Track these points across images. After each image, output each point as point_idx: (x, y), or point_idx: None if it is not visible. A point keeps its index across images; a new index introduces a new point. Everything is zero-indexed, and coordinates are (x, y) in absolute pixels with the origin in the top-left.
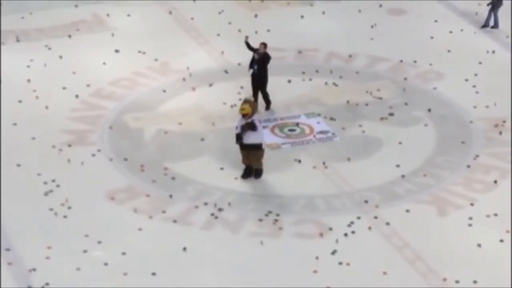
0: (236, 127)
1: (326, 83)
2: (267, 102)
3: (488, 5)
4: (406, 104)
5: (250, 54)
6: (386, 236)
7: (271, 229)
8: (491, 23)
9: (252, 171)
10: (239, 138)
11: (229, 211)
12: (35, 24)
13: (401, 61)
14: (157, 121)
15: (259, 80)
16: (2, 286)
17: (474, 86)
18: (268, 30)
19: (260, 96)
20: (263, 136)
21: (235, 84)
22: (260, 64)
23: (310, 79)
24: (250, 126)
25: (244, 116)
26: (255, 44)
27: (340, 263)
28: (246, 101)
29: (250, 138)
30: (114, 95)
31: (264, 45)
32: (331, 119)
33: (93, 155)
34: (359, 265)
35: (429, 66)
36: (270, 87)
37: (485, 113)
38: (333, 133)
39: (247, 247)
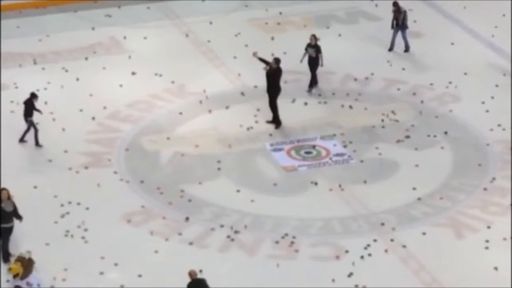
0: None
1: (342, 106)
2: (276, 118)
3: (392, 28)
4: (422, 126)
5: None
6: (403, 259)
7: (288, 252)
8: (403, 47)
9: None
10: None
11: (245, 233)
12: (52, 46)
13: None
14: (174, 144)
15: (270, 92)
16: None
17: (490, 109)
18: (285, 53)
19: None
20: None
21: (251, 106)
22: (272, 79)
23: (326, 102)
24: None
25: (15, 277)
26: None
27: (357, 286)
28: (18, 259)
29: None
30: (131, 118)
31: (276, 60)
32: (349, 142)
33: (110, 177)
34: (376, 287)
35: (446, 88)
36: (286, 109)
37: (501, 136)
38: (349, 156)
39: (264, 270)
